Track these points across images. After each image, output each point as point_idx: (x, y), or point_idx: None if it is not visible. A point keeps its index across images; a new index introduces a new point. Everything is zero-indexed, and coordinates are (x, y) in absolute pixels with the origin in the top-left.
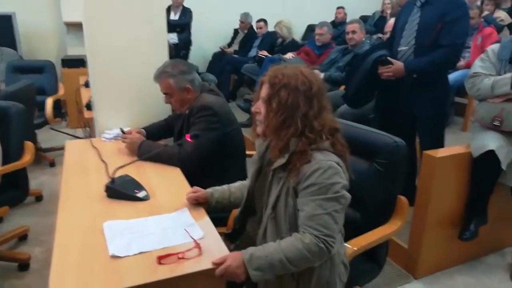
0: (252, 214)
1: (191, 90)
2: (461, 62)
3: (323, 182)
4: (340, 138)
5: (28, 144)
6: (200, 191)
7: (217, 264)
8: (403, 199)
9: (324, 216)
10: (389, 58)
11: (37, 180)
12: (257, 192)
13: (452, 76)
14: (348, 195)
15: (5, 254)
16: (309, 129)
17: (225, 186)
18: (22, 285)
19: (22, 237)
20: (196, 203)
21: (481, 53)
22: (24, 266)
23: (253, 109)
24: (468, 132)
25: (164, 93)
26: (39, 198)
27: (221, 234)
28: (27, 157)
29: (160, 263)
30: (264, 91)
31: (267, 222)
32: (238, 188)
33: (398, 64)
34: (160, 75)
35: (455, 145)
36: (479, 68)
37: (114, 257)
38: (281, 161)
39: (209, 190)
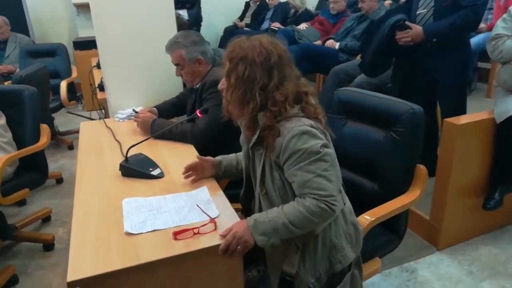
0: (253, 194)
1: (202, 62)
2: (483, 25)
3: (302, 148)
4: (310, 101)
5: (44, 127)
6: (209, 158)
7: (225, 236)
8: (422, 167)
9: (315, 179)
10: (407, 22)
11: (56, 163)
12: (251, 172)
13: (474, 40)
14: (331, 151)
15: (30, 235)
16: (272, 102)
17: (232, 155)
18: (49, 264)
19: (46, 219)
20: (204, 164)
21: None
22: (49, 246)
23: (219, 86)
24: (492, 98)
25: (175, 64)
26: (59, 180)
27: (237, 210)
28: (44, 139)
29: (176, 238)
30: (225, 67)
31: (259, 199)
32: None
33: (417, 29)
34: (172, 46)
35: (478, 112)
36: (501, 29)
37: (130, 233)
38: (254, 138)
39: (218, 157)
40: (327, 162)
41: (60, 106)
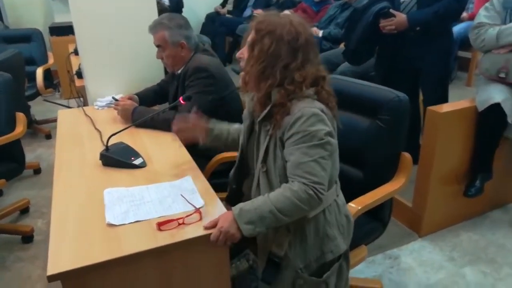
0: (247, 173)
1: (185, 47)
2: (464, 14)
3: (307, 130)
4: (326, 86)
5: (20, 116)
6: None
7: (210, 228)
8: (407, 155)
9: (311, 163)
10: (391, 10)
11: (34, 153)
12: (250, 149)
13: (455, 29)
14: (334, 142)
15: (8, 227)
16: (289, 81)
17: (226, 124)
18: (28, 256)
19: (24, 210)
20: (196, 126)
21: (485, 3)
22: (27, 238)
23: (237, 54)
24: (472, 87)
25: (157, 46)
26: (37, 170)
27: (222, 199)
28: (20, 128)
29: (160, 229)
30: (250, 36)
31: (259, 176)
32: (237, 130)
33: (401, 17)
34: (156, 26)
35: (460, 101)
36: (483, 17)
37: (112, 225)
38: (263, 113)
39: (211, 124)
40: (326, 151)
41: (37, 94)
